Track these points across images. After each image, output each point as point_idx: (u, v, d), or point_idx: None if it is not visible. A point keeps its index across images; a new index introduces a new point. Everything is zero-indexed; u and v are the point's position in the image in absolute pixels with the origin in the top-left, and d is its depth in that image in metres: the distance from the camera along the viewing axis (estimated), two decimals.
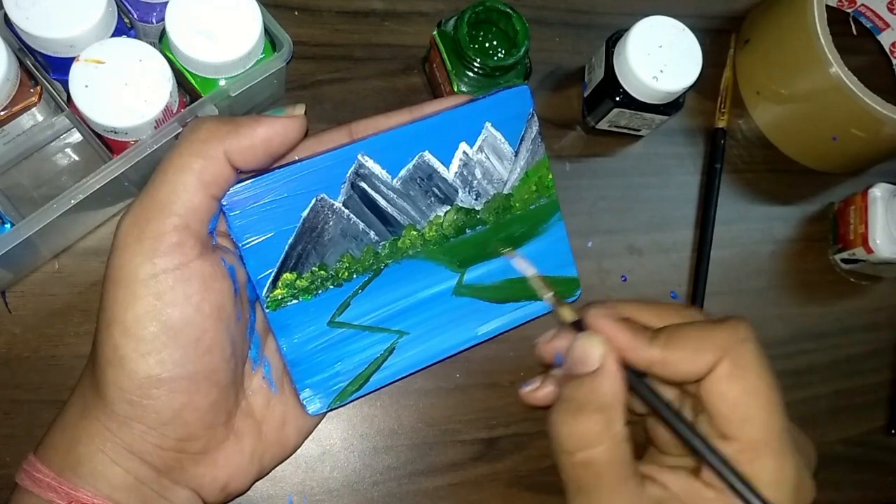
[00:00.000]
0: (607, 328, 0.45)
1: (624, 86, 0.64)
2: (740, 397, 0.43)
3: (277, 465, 0.50)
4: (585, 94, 0.69)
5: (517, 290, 0.53)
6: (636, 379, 0.46)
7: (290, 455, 0.51)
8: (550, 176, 0.53)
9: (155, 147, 0.49)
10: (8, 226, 0.51)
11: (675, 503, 0.44)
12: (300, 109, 0.45)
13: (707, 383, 0.44)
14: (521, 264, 0.52)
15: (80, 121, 0.51)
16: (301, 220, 0.46)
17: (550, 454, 0.61)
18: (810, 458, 0.48)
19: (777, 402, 0.43)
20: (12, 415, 0.53)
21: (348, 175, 0.47)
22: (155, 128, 0.49)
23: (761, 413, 0.43)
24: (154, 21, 0.54)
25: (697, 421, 0.46)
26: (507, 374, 0.63)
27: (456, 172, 0.50)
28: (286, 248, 0.46)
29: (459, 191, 0.50)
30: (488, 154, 0.50)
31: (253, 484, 0.48)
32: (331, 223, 0.47)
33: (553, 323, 0.49)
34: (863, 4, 0.80)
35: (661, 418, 0.46)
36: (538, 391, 0.51)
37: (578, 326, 0.47)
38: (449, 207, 0.50)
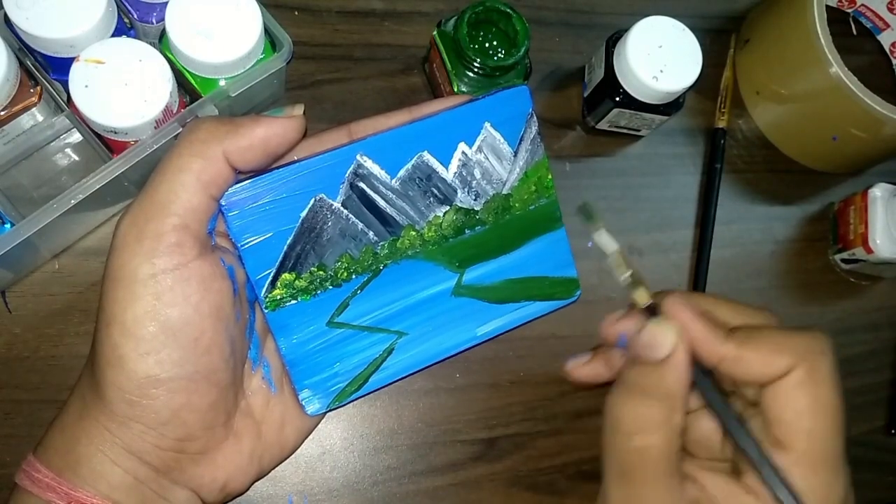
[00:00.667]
0: (684, 317, 0.44)
1: (624, 86, 0.64)
2: (808, 408, 0.42)
3: (277, 465, 0.50)
4: (585, 94, 0.69)
5: (516, 290, 0.53)
6: (700, 374, 0.45)
7: (290, 455, 0.51)
8: (550, 176, 0.53)
9: (155, 147, 0.49)
10: (8, 226, 0.51)
11: None
12: (299, 109, 0.45)
13: (775, 389, 0.43)
14: (604, 240, 0.50)
15: (80, 121, 0.51)
16: (300, 220, 0.46)
17: (550, 454, 0.62)
18: (849, 479, 0.48)
19: (841, 420, 0.43)
20: (12, 415, 0.53)
21: (347, 175, 0.47)
22: (155, 128, 0.50)
23: (826, 428, 0.42)
24: (154, 21, 0.54)
25: (750, 424, 0.46)
26: (507, 374, 0.63)
27: (455, 173, 0.50)
28: (285, 248, 0.46)
29: (458, 191, 0.50)
30: (487, 154, 0.50)
31: (252, 484, 0.48)
32: (329, 223, 0.47)
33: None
34: (863, 4, 0.80)
35: (719, 417, 0.45)
36: (586, 366, 0.51)
37: (652, 311, 0.46)
38: (448, 208, 0.50)
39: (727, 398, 0.46)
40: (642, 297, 0.46)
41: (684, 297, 0.45)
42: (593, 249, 0.66)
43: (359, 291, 0.49)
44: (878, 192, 0.71)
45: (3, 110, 0.50)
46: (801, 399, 0.42)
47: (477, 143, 0.50)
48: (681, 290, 0.47)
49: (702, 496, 0.44)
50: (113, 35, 0.51)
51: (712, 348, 0.44)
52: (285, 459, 0.51)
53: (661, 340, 0.43)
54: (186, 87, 0.53)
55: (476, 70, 0.60)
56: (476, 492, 0.60)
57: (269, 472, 0.50)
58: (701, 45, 0.63)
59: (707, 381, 0.45)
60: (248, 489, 0.48)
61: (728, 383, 0.48)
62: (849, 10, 0.82)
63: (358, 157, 0.47)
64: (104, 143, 0.52)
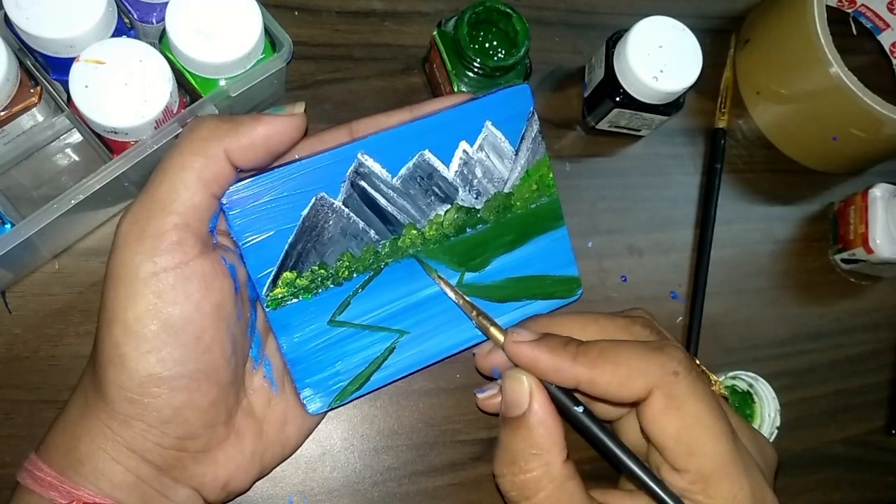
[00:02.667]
0: (525, 352, 0.45)
1: (624, 86, 0.63)
2: (681, 430, 0.43)
3: (278, 464, 0.50)
4: (585, 94, 0.69)
5: (518, 289, 0.53)
6: (575, 411, 0.46)
7: (291, 454, 0.51)
8: (551, 175, 0.53)
9: (155, 147, 0.49)
10: (8, 226, 0.51)
11: None
12: (300, 107, 0.45)
13: (645, 415, 0.44)
14: (446, 288, 0.51)
15: (80, 121, 0.51)
16: (301, 218, 0.46)
17: None
18: (770, 461, 0.49)
19: (721, 427, 0.43)
20: (13, 415, 0.53)
21: (348, 174, 0.47)
22: (155, 128, 0.49)
23: (706, 442, 0.43)
24: (154, 21, 0.54)
25: (650, 449, 0.46)
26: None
27: (456, 171, 0.50)
28: (286, 246, 0.46)
29: (460, 190, 0.50)
30: (488, 153, 0.50)
31: (254, 483, 0.49)
32: (331, 222, 0.47)
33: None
34: (863, 4, 0.80)
35: (601, 451, 0.46)
36: (493, 399, 0.52)
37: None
38: (449, 206, 0.50)
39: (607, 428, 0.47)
40: (496, 338, 0.48)
41: (522, 331, 0.46)
42: (594, 249, 0.67)
43: (360, 290, 0.49)
44: (878, 192, 0.71)
45: (3, 110, 0.50)
46: (669, 425, 0.43)
47: (478, 141, 0.50)
48: (532, 318, 0.48)
49: None
50: (113, 35, 0.50)
51: (564, 375, 0.44)
52: (287, 458, 0.51)
53: (518, 394, 0.44)
54: (186, 87, 0.53)
55: (476, 70, 0.60)
56: (476, 492, 0.60)
57: (271, 470, 0.50)
58: (701, 45, 0.63)
59: (583, 415, 0.46)
60: (249, 488, 0.48)
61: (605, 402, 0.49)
62: (849, 10, 0.82)
63: (359, 155, 0.47)
64: (104, 143, 0.52)
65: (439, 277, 0.51)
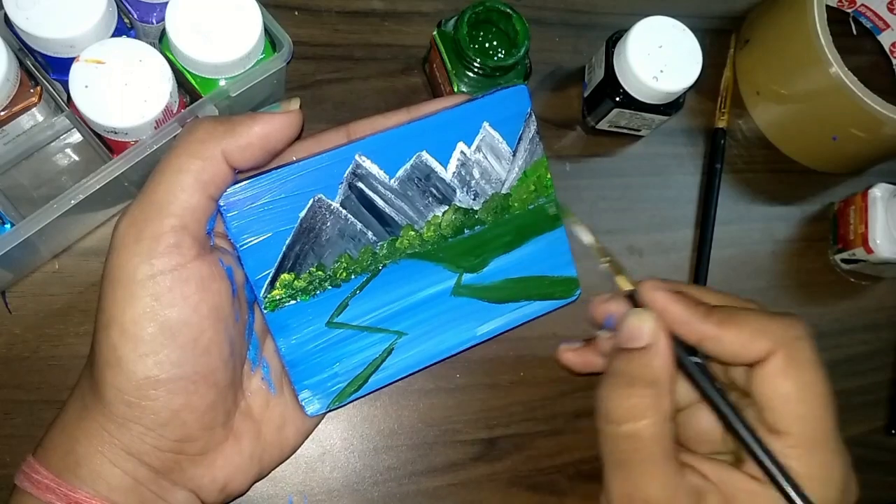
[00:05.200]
0: (661, 300, 0.45)
1: (624, 86, 0.63)
2: (795, 393, 0.43)
3: (277, 466, 0.50)
4: (585, 94, 0.69)
5: (516, 289, 0.53)
6: (690, 361, 0.46)
7: (290, 456, 0.51)
8: (549, 176, 0.53)
9: (155, 147, 0.49)
10: (8, 226, 0.51)
11: (714, 493, 0.44)
12: (295, 104, 0.45)
13: (760, 376, 0.44)
14: (581, 232, 0.51)
15: (80, 121, 0.51)
16: (299, 220, 0.46)
17: (550, 454, 0.62)
18: (848, 459, 0.48)
19: (830, 401, 0.44)
20: (12, 415, 0.53)
21: (346, 175, 0.47)
22: (155, 128, 0.49)
23: (815, 410, 0.43)
24: (154, 21, 0.54)
25: (746, 411, 0.46)
26: (507, 374, 0.63)
27: (454, 172, 0.50)
28: (284, 248, 0.46)
29: (457, 191, 0.50)
30: (486, 154, 0.50)
31: (252, 485, 0.49)
32: (328, 223, 0.47)
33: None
34: (863, 4, 0.80)
35: (711, 403, 0.45)
36: (575, 353, 0.52)
37: (633, 298, 0.47)
38: (447, 207, 0.50)
39: (721, 388, 0.46)
40: (623, 284, 0.48)
41: (661, 282, 0.46)
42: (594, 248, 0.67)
43: (358, 291, 0.49)
44: (878, 192, 0.71)
45: (3, 110, 0.50)
46: (785, 385, 0.43)
47: (476, 142, 0.50)
48: (659, 279, 0.48)
49: (703, 484, 0.45)
50: (113, 35, 0.51)
51: (692, 328, 0.45)
52: (285, 460, 0.51)
53: (641, 329, 0.44)
54: (186, 87, 0.53)
55: (476, 70, 0.60)
56: (476, 492, 0.60)
57: (269, 472, 0.50)
58: (701, 45, 0.63)
59: (697, 365, 0.46)
60: (248, 489, 0.48)
61: (720, 372, 0.48)
62: (849, 10, 0.82)
63: (356, 157, 0.47)
64: (104, 143, 0.52)
65: (573, 219, 0.51)
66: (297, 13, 0.65)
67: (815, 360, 0.44)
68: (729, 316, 0.45)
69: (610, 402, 0.44)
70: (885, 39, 0.82)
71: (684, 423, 0.50)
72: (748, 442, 0.44)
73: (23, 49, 0.51)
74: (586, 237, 0.51)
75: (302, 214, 0.46)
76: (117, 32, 0.51)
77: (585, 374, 0.55)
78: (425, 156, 0.49)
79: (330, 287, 0.48)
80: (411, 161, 0.48)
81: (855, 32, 0.83)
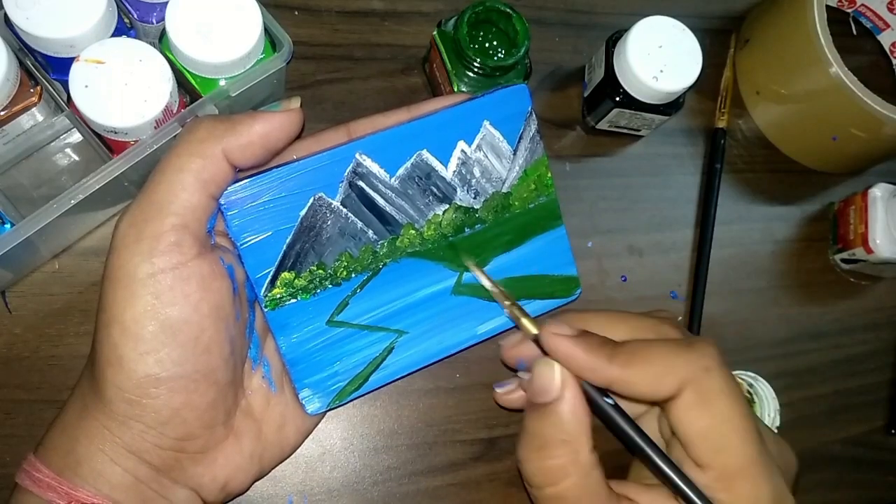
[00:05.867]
0: (563, 348, 0.45)
1: (624, 86, 0.63)
2: (710, 427, 0.43)
3: (277, 464, 0.50)
4: (585, 94, 0.69)
5: (516, 288, 0.53)
6: (605, 403, 0.45)
7: (290, 455, 0.51)
8: (549, 174, 0.53)
9: (155, 147, 0.49)
10: (8, 226, 0.51)
11: None
12: (296, 103, 0.45)
13: (674, 411, 0.44)
14: (481, 277, 0.52)
15: (80, 121, 0.51)
16: (299, 219, 0.46)
17: None
18: (790, 467, 0.49)
19: (748, 426, 0.43)
20: (12, 415, 0.53)
21: (346, 174, 0.47)
22: (155, 128, 0.49)
23: (733, 441, 0.43)
24: (154, 21, 0.54)
25: (672, 444, 0.46)
26: (507, 374, 0.63)
27: (454, 171, 0.50)
28: (284, 247, 0.46)
29: (458, 189, 0.50)
30: (487, 153, 0.50)
31: (253, 483, 0.49)
32: (329, 222, 0.47)
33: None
34: (863, 4, 0.80)
35: (629, 443, 0.46)
36: (511, 394, 0.52)
37: (538, 341, 0.47)
38: (447, 206, 0.50)
39: (637, 427, 0.47)
40: (529, 328, 0.48)
41: (562, 324, 0.46)
42: (594, 249, 0.67)
43: (358, 290, 0.49)
44: (878, 192, 0.71)
45: (3, 110, 0.50)
46: (699, 420, 0.43)
47: (476, 141, 0.50)
48: (566, 313, 0.48)
49: None
50: (113, 35, 0.51)
51: (597, 374, 0.44)
52: (286, 459, 0.51)
53: (549, 382, 0.44)
54: (186, 87, 0.53)
55: (476, 70, 0.60)
56: (476, 492, 0.60)
57: (270, 471, 0.50)
58: (701, 45, 0.63)
59: (613, 408, 0.46)
60: (248, 488, 0.48)
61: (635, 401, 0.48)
62: (849, 10, 0.82)
63: (357, 155, 0.47)
64: (104, 143, 0.52)
65: (474, 266, 0.51)
66: (297, 13, 0.65)
67: (727, 389, 0.44)
68: (633, 355, 0.44)
69: (529, 465, 0.45)
70: (885, 39, 0.82)
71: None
72: (671, 479, 0.44)
73: (23, 49, 0.51)
74: (486, 282, 0.51)
75: (302, 213, 0.46)
76: (117, 32, 0.51)
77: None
78: (426, 154, 0.49)
79: (330, 286, 0.48)
80: (412, 160, 0.49)
81: (855, 32, 0.83)
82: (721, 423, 0.43)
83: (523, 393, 0.52)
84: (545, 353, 0.46)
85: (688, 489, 0.43)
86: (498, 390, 0.53)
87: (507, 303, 0.50)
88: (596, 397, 0.45)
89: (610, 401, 0.46)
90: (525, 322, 0.48)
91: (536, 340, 0.47)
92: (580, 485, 0.43)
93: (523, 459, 0.45)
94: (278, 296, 0.47)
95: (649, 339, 0.47)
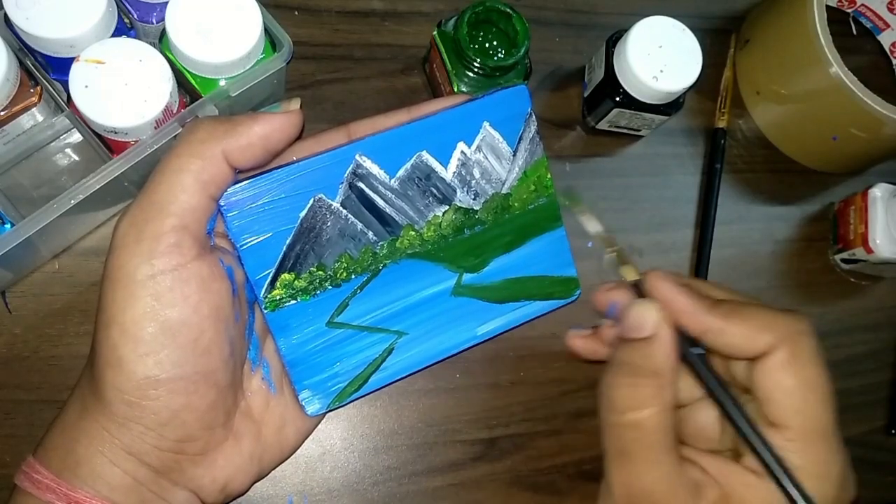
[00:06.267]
0: (666, 290, 0.45)
1: (624, 86, 0.64)
2: (796, 387, 0.43)
3: (277, 466, 0.50)
4: (585, 94, 0.69)
5: (516, 289, 0.53)
6: (692, 352, 0.46)
7: (290, 456, 0.51)
8: (549, 175, 0.53)
9: (155, 147, 0.49)
10: (8, 226, 0.51)
11: (713, 486, 0.44)
12: (296, 104, 0.45)
13: (762, 369, 0.44)
14: (589, 220, 0.51)
15: (80, 121, 0.51)
16: (299, 220, 0.46)
17: (550, 454, 0.62)
18: (846, 455, 0.49)
19: (830, 397, 0.44)
20: (12, 415, 0.53)
21: (346, 175, 0.47)
22: (155, 128, 0.50)
23: (816, 405, 0.43)
24: (154, 21, 0.54)
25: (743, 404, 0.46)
26: (507, 374, 0.63)
27: (454, 172, 0.50)
28: (284, 248, 0.46)
29: (458, 191, 0.50)
30: (486, 154, 0.50)
31: (252, 484, 0.48)
32: (329, 223, 0.47)
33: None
34: (863, 4, 0.80)
35: (712, 394, 0.45)
36: (584, 340, 0.52)
37: (639, 288, 0.47)
38: (447, 207, 0.50)
39: (722, 380, 0.47)
40: (629, 274, 0.48)
41: (667, 273, 0.46)
42: (594, 249, 0.67)
43: (358, 291, 0.49)
44: (878, 192, 0.71)
45: (3, 110, 0.50)
46: (787, 379, 0.43)
47: (476, 142, 0.50)
48: (665, 270, 0.48)
49: (703, 477, 0.45)
50: (113, 35, 0.51)
51: (696, 319, 0.44)
52: (285, 460, 0.51)
53: (645, 319, 0.44)
54: (186, 87, 0.53)
55: (476, 70, 0.60)
56: (476, 492, 0.60)
57: (269, 472, 0.50)
58: (701, 45, 0.63)
59: (699, 357, 0.46)
60: (248, 490, 0.48)
61: (720, 367, 0.49)
62: (849, 10, 0.82)
63: (357, 157, 0.47)
64: (104, 143, 0.52)
65: (580, 208, 0.51)
66: (297, 13, 0.65)
67: (818, 356, 0.44)
68: (733, 309, 0.44)
69: (613, 391, 0.44)
70: (885, 39, 0.82)
71: (684, 420, 0.50)
72: (747, 434, 0.44)
73: (23, 49, 0.51)
74: (593, 226, 0.51)
75: (302, 214, 0.46)
76: (117, 32, 0.51)
77: (592, 362, 0.55)
78: (426, 156, 0.49)
79: (330, 287, 0.48)
80: (412, 161, 0.48)
81: (855, 32, 0.83)
82: (806, 385, 0.43)
83: (596, 345, 0.52)
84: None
85: (760, 445, 0.43)
86: (572, 331, 0.53)
87: (611, 248, 0.50)
88: (685, 347, 0.45)
89: (699, 350, 0.46)
90: (627, 268, 0.48)
91: (637, 287, 0.47)
92: (660, 417, 0.43)
93: (609, 385, 0.45)
94: (278, 297, 0.47)
95: (746, 301, 0.47)
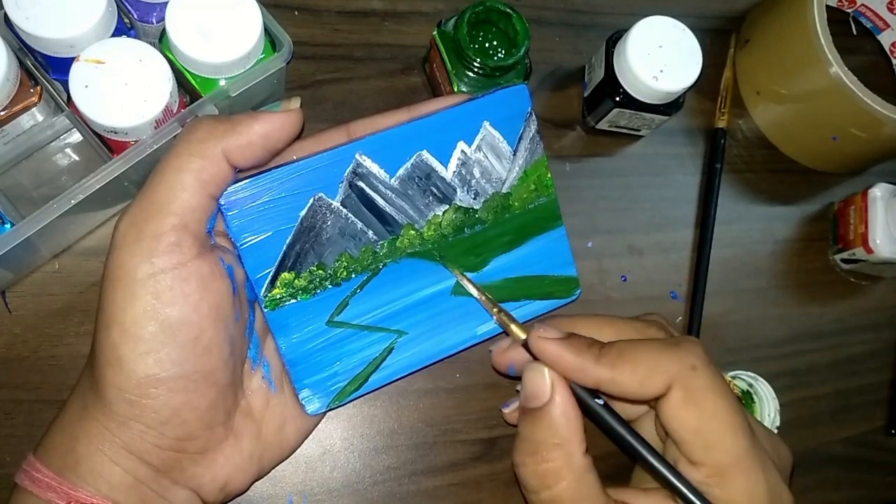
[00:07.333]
0: (550, 350, 0.45)
1: (624, 86, 0.63)
2: (700, 424, 0.43)
3: (277, 465, 0.50)
4: (585, 94, 0.69)
5: (516, 289, 0.53)
6: (594, 404, 0.46)
7: (290, 455, 0.51)
8: (549, 175, 0.53)
9: (155, 147, 0.49)
10: (8, 226, 0.51)
11: None
12: (296, 103, 0.46)
13: (664, 410, 0.44)
14: (468, 285, 0.52)
15: (80, 121, 0.51)
16: (299, 219, 0.46)
17: None
18: (784, 461, 0.49)
19: (739, 421, 0.44)
20: (12, 415, 0.53)
21: (346, 174, 0.47)
22: (155, 128, 0.49)
23: (724, 437, 0.43)
24: (154, 21, 0.54)
25: (668, 444, 0.47)
26: (506, 378, 0.63)
27: (454, 172, 0.50)
28: (284, 247, 0.46)
29: (458, 190, 0.50)
30: (486, 153, 0.50)
31: (252, 484, 0.49)
32: (329, 223, 0.47)
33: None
34: (863, 4, 0.80)
35: (620, 445, 0.46)
36: (517, 413, 0.52)
37: (527, 346, 0.47)
38: (447, 207, 0.50)
39: (629, 426, 0.47)
40: (517, 335, 0.48)
41: (548, 329, 0.46)
42: (594, 249, 0.67)
43: (358, 290, 0.49)
44: (878, 192, 0.71)
45: (3, 110, 0.50)
46: (687, 419, 0.43)
47: (476, 142, 0.50)
48: (554, 318, 0.49)
49: None
50: (113, 35, 0.51)
51: (586, 374, 0.44)
52: (285, 459, 0.51)
53: (538, 386, 0.45)
54: (186, 87, 0.53)
55: (476, 70, 0.60)
56: (476, 492, 0.60)
57: (269, 471, 0.50)
58: (701, 45, 0.63)
59: (604, 408, 0.46)
60: (248, 489, 0.48)
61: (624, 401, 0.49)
62: (849, 10, 0.82)
63: (357, 156, 0.47)
64: (104, 143, 0.52)
65: (461, 273, 0.52)
66: (297, 13, 0.65)
67: (714, 385, 0.44)
68: (619, 356, 0.44)
69: (524, 469, 0.45)
70: (885, 39, 0.82)
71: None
72: (664, 476, 0.44)
73: (23, 49, 0.51)
74: (472, 290, 0.52)
75: (302, 213, 0.46)
76: (117, 32, 0.51)
77: None
78: (426, 155, 0.49)
79: (330, 286, 0.48)
80: (412, 160, 0.49)
81: (855, 32, 0.83)
82: (710, 419, 0.43)
83: None
84: (535, 358, 0.46)
85: (682, 485, 0.44)
86: (505, 410, 0.54)
87: (494, 310, 0.50)
88: (586, 398, 0.46)
89: (600, 401, 0.46)
90: (513, 328, 0.49)
91: (526, 345, 0.47)
92: (575, 488, 0.43)
93: (518, 464, 0.45)
94: (278, 296, 0.47)
95: (636, 339, 0.47)
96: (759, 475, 0.43)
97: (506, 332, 0.50)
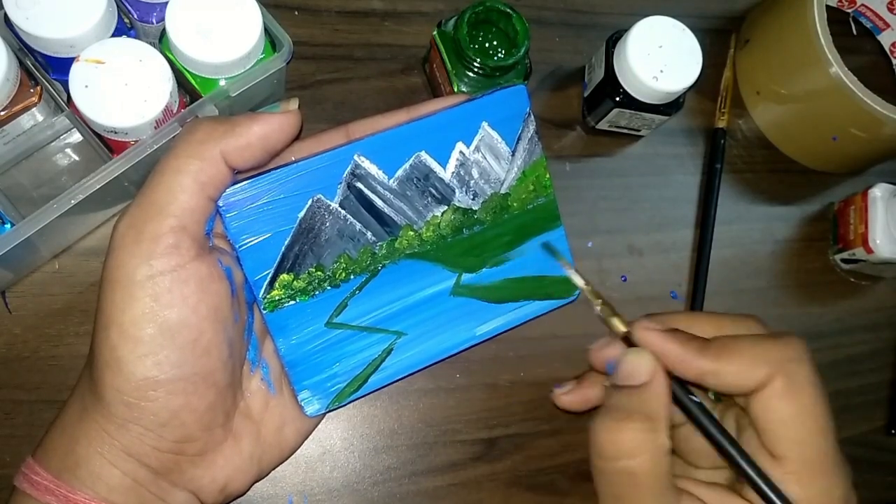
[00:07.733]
0: (656, 342, 0.45)
1: (624, 86, 0.64)
2: (794, 417, 0.43)
3: (276, 466, 0.50)
4: (585, 94, 0.69)
5: (516, 289, 0.53)
6: (684, 394, 0.46)
7: (289, 456, 0.51)
8: (548, 175, 0.53)
9: (155, 147, 0.49)
10: (8, 226, 0.51)
11: None
12: (294, 104, 0.45)
13: (759, 400, 0.44)
14: (574, 276, 0.52)
15: (80, 121, 0.51)
16: (298, 220, 0.46)
17: (551, 454, 0.62)
18: (849, 476, 0.48)
19: (829, 424, 0.43)
20: (12, 415, 0.53)
21: (344, 176, 0.47)
22: (155, 128, 0.50)
23: (814, 435, 0.43)
24: (154, 21, 0.54)
25: (742, 436, 0.46)
26: (507, 374, 0.63)
27: (453, 172, 0.50)
28: (283, 249, 0.46)
29: (456, 191, 0.50)
30: (485, 154, 0.50)
31: (252, 485, 0.49)
32: (327, 224, 0.47)
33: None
34: (863, 4, 0.80)
35: (706, 434, 0.45)
36: (569, 395, 0.52)
37: (628, 339, 0.47)
38: (446, 207, 0.50)
39: (722, 410, 0.47)
40: (618, 327, 0.48)
41: (654, 322, 0.46)
42: (594, 249, 0.67)
43: (357, 292, 0.49)
44: (878, 192, 0.71)
45: (3, 110, 0.50)
46: (784, 409, 0.43)
47: (475, 142, 0.50)
48: (653, 315, 0.48)
49: None
50: (113, 35, 0.51)
51: (689, 365, 0.44)
52: (285, 460, 0.51)
53: (639, 367, 0.44)
54: (186, 87, 0.53)
55: (476, 70, 0.60)
56: (476, 492, 0.60)
57: (269, 473, 0.50)
58: (701, 45, 0.63)
59: (692, 399, 0.46)
60: (247, 490, 0.48)
61: (722, 394, 0.49)
62: (849, 10, 0.82)
63: (355, 157, 0.47)
64: (104, 143, 0.52)
65: (566, 263, 0.52)
66: (297, 13, 0.65)
67: (814, 381, 0.44)
68: (724, 348, 0.44)
69: (605, 435, 0.44)
70: (885, 39, 0.82)
71: (686, 438, 0.50)
72: (748, 472, 0.44)
73: (23, 49, 0.51)
74: (579, 280, 0.51)
75: (301, 215, 0.46)
76: (117, 32, 0.51)
77: (585, 412, 0.54)
78: (424, 156, 0.49)
79: (329, 287, 0.48)
80: (410, 161, 0.48)
81: (855, 32, 0.83)
82: (805, 414, 0.43)
83: (581, 396, 0.53)
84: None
85: (761, 482, 0.43)
86: (558, 390, 0.53)
87: (598, 301, 0.49)
88: (679, 393, 0.45)
89: (696, 398, 0.46)
90: (615, 321, 0.48)
91: (626, 339, 0.47)
92: (652, 464, 0.43)
93: (601, 430, 0.44)
94: (277, 297, 0.47)
95: (737, 334, 0.47)
96: (839, 479, 0.43)
97: (608, 328, 0.49)
